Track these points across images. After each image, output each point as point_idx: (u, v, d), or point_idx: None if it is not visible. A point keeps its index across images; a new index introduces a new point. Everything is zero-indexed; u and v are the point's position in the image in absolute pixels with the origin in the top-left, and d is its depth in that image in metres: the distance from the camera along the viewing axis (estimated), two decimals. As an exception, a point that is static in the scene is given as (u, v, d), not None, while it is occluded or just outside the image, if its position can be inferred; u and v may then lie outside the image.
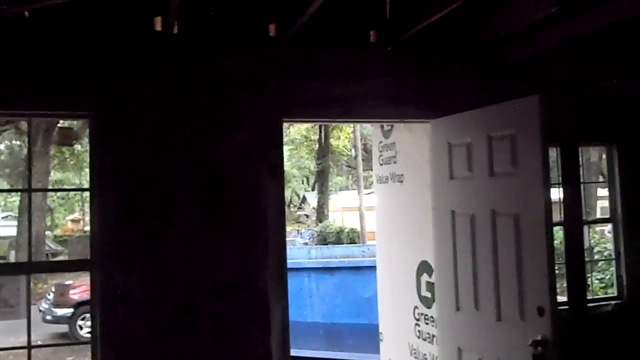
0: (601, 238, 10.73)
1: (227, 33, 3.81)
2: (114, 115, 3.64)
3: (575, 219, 3.55)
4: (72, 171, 24.09)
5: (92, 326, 3.76)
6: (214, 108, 3.78)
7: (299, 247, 12.49)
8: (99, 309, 3.64)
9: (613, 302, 6.60)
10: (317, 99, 3.94)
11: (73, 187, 23.98)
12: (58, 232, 25.69)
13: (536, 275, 3.29)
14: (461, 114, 3.87)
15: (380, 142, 5.70)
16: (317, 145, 19.47)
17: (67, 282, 12.11)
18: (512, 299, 3.44)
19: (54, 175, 22.70)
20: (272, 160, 3.82)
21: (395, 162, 5.44)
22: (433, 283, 4.33)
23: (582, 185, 11.50)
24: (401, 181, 5.31)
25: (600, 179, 11.86)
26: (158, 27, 3.55)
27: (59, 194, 27.63)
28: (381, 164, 5.71)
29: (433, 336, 4.58)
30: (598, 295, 8.20)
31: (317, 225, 17.29)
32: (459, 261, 3.86)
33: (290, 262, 8.67)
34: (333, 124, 18.44)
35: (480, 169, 3.70)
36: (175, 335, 3.68)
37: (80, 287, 11.50)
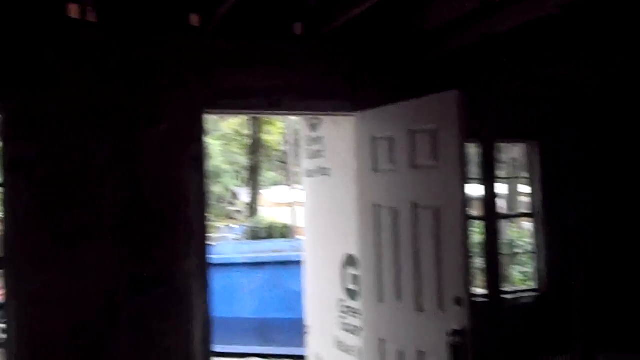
0: (522, 232, 11.10)
1: (148, 22, 3.71)
2: (27, 107, 3.49)
3: (493, 213, 3.66)
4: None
5: (6, 326, 3.61)
6: (133, 99, 3.68)
7: (230, 243, 12.37)
8: (13, 309, 3.49)
9: (532, 294, 6.84)
10: (240, 90, 3.90)
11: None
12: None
13: (454, 267, 3.37)
14: (384, 108, 3.91)
15: (308, 135, 5.71)
16: (249, 141, 19.35)
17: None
18: (432, 291, 3.51)
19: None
20: (194, 153, 3.76)
21: (322, 156, 5.45)
22: (358, 276, 4.36)
23: (507, 181, 11.79)
24: (328, 175, 5.33)
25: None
26: (74, 14, 3.42)
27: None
28: (309, 158, 5.71)
29: (357, 328, 4.63)
30: (519, 287, 8.48)
31: (248, 220, 17.20)
32: (382, 254, 3.91)
33: (220, 258, 8.59)
34: (265, 119, 18.39)
35: (402, 163, 3.75)
36: (95, 332, 3.57)
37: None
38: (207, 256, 3.81)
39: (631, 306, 6.49)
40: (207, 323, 3.76)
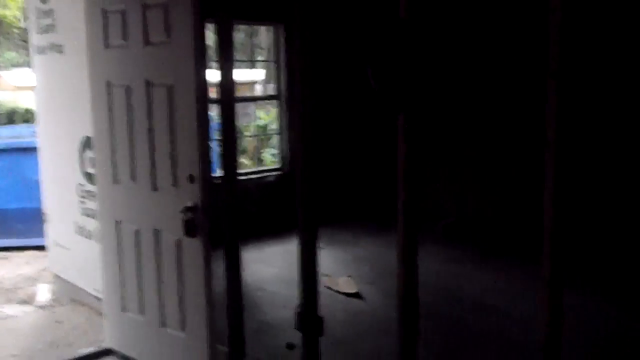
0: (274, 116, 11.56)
1: None
2: None
3: (229, 95, 3.69)
4: None
5: None
6: None
7: (-42, 129, 10.97)
8: None
9: (275, 173, 7.29)
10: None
11: None
12: None
13: (189, 145, 3.39)
14: (116, -22, 3.65)
15: (37, 7, 5.17)
16: (-21, 14, 16.89)
17: None
18: (166, 169, 3.51)
19: None
20: None
21: (54, 31, 5.01)
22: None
23: (264, 65, 11.89)
24: (61, 52, 4.94)
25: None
26: None
27: None
28: (39, 33, 5.21)
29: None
30: (269, 167, 8.95)
31: (-16, 105, 15.39)
32: (116, 134, 3.78)
33: (-55, 146, 7.65)
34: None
35: (135, 38, 3.58)
36: None
37: None
38: None
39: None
40: None
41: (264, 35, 13.02)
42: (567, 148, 2.25)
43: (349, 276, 5.25)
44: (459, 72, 6.51)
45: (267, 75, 14.21)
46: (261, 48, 14.79)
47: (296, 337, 3.85)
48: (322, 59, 6.20)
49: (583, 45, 4.96)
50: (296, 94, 3.46)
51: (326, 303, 3.51)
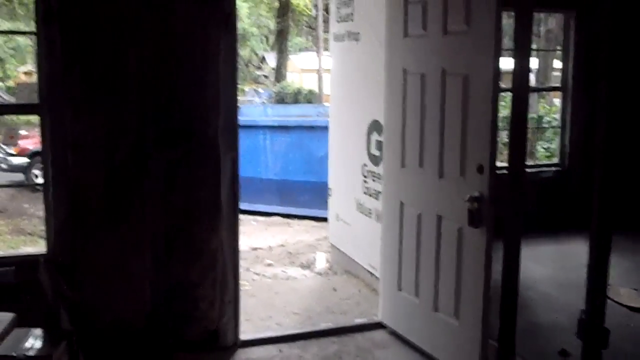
0: (551, 109, 10.97)
1: None
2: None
3: (523, 86, 3.59)
4: (22, 21, 22.88)
5: (43, 170, 3.79)
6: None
7: (256, 105, 12.32)
8: (50, 154, 3.65)
9: (553, 168, 6.92)
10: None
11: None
12: (10, 83, 24.88)
13: (479, 135, 3.38)
14: (419, -30, 3.76)
15: (339, -3, 5.57)
16: (277, 4, 18.77)
17: (21, 132, 12.01)
18: (454, 157, 3.55)
19: (2, 25, 21.53)
20: (224, 8, 3.70)
21: (352, 20, 5.36)
22: (382, 142, 4.42)
23: (539, 54, 11.41)
24: (357, 39, 5.26)
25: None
26: None
27: (8, 44, 26.38)
28: (338, 21, 5.61)
29: (378, 192, 4.77)
30: (542, 162, 8.55)
31: (275, 85, 17.09)
32: (407, 119, 3.93)
33: (247, 120, 8.72)
34: (295, -20, 17.74)
35: (434, 27, 3.66)
36: (127, 181, 3.72)
37: (34, 137, 11.44)
38: (236, 115, 3.87)
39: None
40: (234, 178, 3.89)
41: (541, 23, 12.39)
42: None
43: (635, 289, 4.80)
44: None
45: (541, 64, 13.52)
46: (535, 35, 14.10)
47: (568, 345, 3.66)
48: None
49: None
50: (599, 87, 3.24)
51: (606, 313, 3.26)
